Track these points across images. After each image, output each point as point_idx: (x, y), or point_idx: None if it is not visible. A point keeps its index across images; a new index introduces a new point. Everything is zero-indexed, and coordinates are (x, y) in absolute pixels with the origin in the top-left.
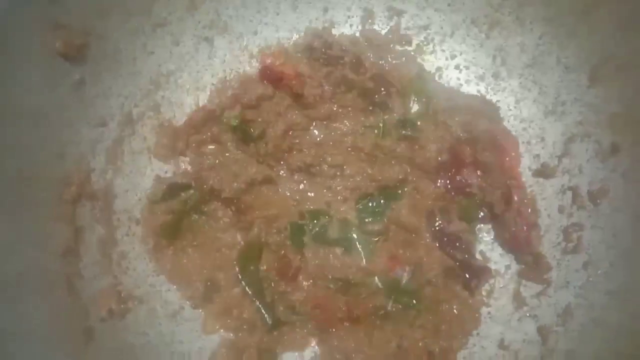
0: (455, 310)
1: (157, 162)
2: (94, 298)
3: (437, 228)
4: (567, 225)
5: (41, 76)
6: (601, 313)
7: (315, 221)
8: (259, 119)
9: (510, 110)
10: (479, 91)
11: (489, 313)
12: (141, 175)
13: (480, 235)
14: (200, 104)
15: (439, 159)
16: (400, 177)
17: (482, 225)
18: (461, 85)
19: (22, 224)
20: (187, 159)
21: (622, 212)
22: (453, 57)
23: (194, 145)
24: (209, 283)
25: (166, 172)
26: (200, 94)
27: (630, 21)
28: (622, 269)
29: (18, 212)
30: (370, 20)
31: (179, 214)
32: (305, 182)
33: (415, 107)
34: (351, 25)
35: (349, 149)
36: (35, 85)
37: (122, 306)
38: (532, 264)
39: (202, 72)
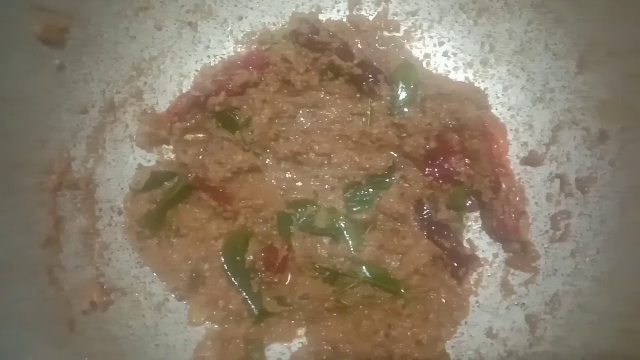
0: (443, 300)
1: (140, 151)
2: (76, 290)
3: (425, 217)
4: (555, 213)
5: (22, 61)
6: (588, 300)
7: (302, 210)
8: (245, 106)
9: (499, 97)
10: (467, 78)
11: (477, 302)
12: (124, 164)
13: (468, 224)
14: (184, 91)
15: (427, 147)
16: (389, 165)
17: (470, 213)
18: (449, 72)
19: (6, 209)
20: (171, 147)
21: (609, 199)
22: (441, 44)
23: (177, 133)
24: (194, 274)
25: (150, 161)
26: (184, 81)
27: (617, 7)
28: (609, 256)
29: (2, 198)
30: (357, 6)
31: (163, 204)
32: (292, 170)
33: (403, 95)
34: (338, 11)
35: (337, 137)
36: (16, 70)
37: (104, 299)
38: (520, 253)
39: (185, 58)
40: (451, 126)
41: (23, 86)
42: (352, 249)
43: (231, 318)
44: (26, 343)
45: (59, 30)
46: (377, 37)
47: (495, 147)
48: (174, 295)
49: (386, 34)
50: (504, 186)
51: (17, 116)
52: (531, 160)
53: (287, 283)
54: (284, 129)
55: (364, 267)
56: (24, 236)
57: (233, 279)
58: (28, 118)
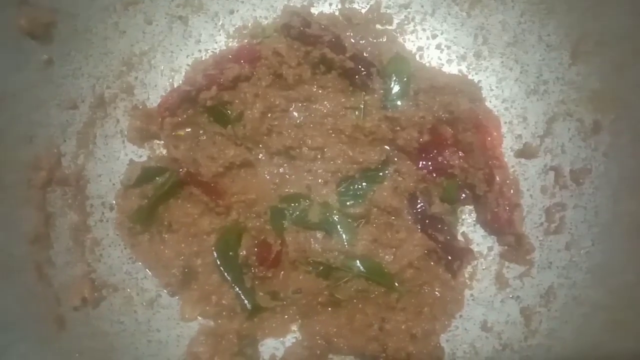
0: (437, 293)
1: (131, 146)
2: (66, 286)
3: (418, 210)
4: (550, 206)
5: (8, 56)
6: (582, 292)
7: (295, 205)
8: (236, 101)
9: (492, 90)
10: (460, 71)
11: (471, 295)
12: (114, 160)
13: (462, 217)
14: (175, 85)
15: (420, 140)
16: (382, 159)
17: (464, 206)
18: (442, 65)
19: None
20: (162, 142)
21: (603, 190)
22: (434, 36)
23: (168, 128)
24: (186, 270)
25: (141, 156)
26: (175, 75)
27: None
28: (603, 247)
29: None
30: None
31: (154, 199)
32: (285, 165)
33: (395, 88)
34: (330, 4)
35: (330, 130)
36: (2, 65)
37: (95, 294)
38: (514, 245)
39: (176, 52)
40: (444, 119)
41: (10, 82)
42: (345, 243)
43: (224, 313)
44: (11, 341)
45: (45, 25)
46: (369, 30)
47: (489, 139)
48: (166, 291)
49: (378, 26)
50: (497, 178)
51: (4, 112)
52: (525, 153)
53: (280, 278)
54: (276, 123)
55: (358, 261)
56: (11, 233)
57: (226, 274)
58: (15, 114)
